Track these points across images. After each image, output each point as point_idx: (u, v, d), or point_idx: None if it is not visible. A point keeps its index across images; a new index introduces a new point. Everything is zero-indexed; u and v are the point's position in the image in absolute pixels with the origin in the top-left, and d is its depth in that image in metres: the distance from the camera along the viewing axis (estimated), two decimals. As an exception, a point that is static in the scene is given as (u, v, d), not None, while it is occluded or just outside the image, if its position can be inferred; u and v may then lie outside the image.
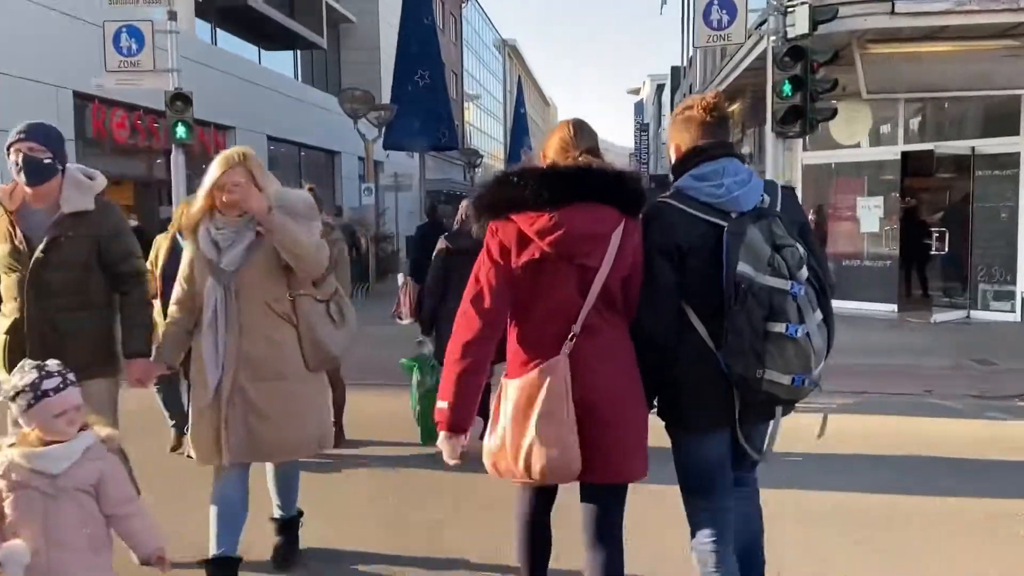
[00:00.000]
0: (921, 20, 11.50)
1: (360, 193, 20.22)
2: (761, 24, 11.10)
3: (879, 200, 13.42)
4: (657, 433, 2.87)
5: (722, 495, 2.82)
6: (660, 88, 57.38)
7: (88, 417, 2.62)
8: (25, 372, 2.55)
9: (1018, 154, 12.09)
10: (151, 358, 3.57)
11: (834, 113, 9.75)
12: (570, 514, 2.92)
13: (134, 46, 11.08)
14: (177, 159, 11.57)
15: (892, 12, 11.34)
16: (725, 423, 2.71)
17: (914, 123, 13.57)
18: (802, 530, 4.36)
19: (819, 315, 2.63)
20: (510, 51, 66.23)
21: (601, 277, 2.59)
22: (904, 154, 13.10)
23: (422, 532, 4.42)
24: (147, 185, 16.90)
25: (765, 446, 2.86)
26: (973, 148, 12.46)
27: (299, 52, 25.99)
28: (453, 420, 2.64)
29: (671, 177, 2.92)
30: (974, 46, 11.89)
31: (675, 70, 41.82)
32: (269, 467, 3.81)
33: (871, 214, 13.49)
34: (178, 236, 5.34)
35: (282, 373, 3.37)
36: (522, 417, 2.59)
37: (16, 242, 3.34)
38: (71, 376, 2.58)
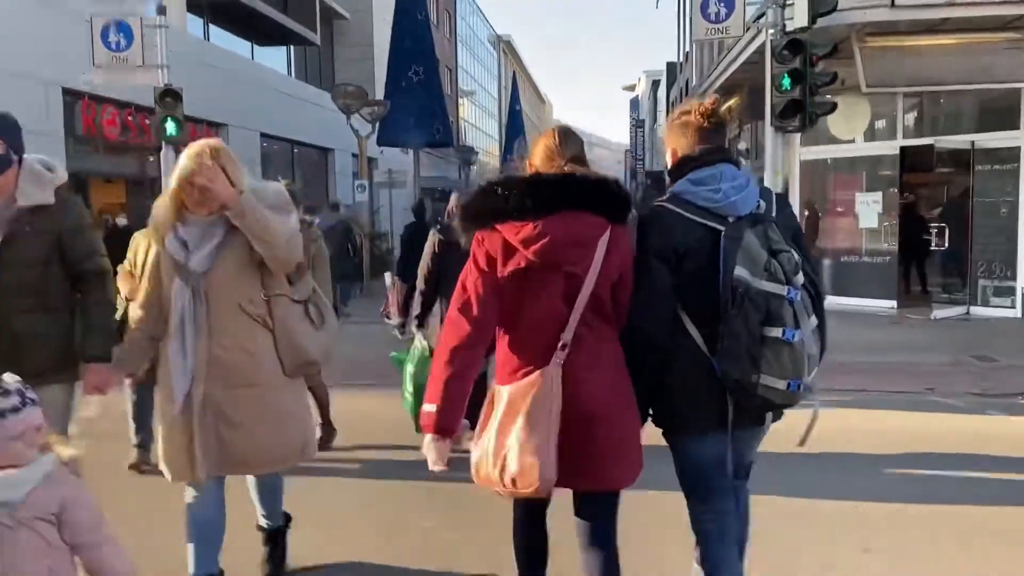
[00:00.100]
0: (921, 13, 11.40)
1: (354, 190, 20.04)
2: (759, 17, 10.98)
3: (878, 196, 13.32)
4: (654, 434, 2.87)
5: (723, 497, 2.84)
6: (656, 84, 57.36)
7: (48, 437, 2.40)
8: None
9: (1018, 148, 11.99)
10: (111, 364, 3.31)
11: (834, 107, 9.65)
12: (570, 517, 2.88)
13: (123, 41, 10.90)
14: (167, 157, 11.36)
15: (892, 5, 11.26)
16: (720, 427, 2.71)
17: (913, 118, 13.47)
18: (807, 535, 4.25)
19: (814, 321, 2.65)
20: (505, 47, 66.09)
21: (588, 285, 2.59)
22: (903, 149, 12.99)
23: (416, 539, 4.30)
24: (139, 183, 16.72)
25: (752, 453, 2.91)
26: (973, 142, 12.35)
27: (292, 48, 25.79)
28: (440, 424, 2.63)
29: (667, 178, 2.92)
30: (974, 39, 11.78)
31: (671, 66, 41.71)
32: (250, 477, 3.57)
33: (870, 210, 13.40)
34: None
35: (257, 379, 3.13)
36: (507, 424, 2.61)
37: None
38: (31, 394, 2.35)
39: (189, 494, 3.23)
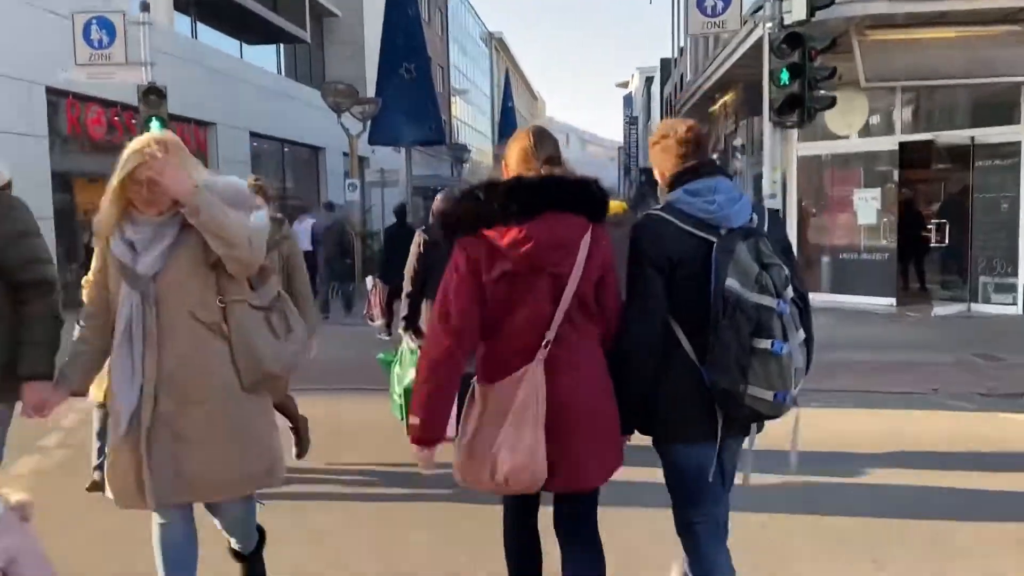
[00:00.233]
0: (920, 5, 11.26)
1: (345, 189, 19.81)
2: (756, 11, 10.82)
3: (876, 192, 13.17)
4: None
5: (713, 501, 2.90)
6: (649, 81, 57.20)
7: None
8: None
9: (1019, 143, 11.83)
10: (52, 382, 3.01)
11: (833, 102, 9.51)
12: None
13: (105, 38, 10.67)
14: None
15: (891, -3, 11.09)
16: (709, 436, 2.75)
17: (911, 112, 13.30)
18: (816, 550, 4.05)
19: (802, 334, 2.70)
20: (497, 44, 65.88)
21: (572, 285, 2.62)
22: (902, 144, 12.83)
23: (406, 553, 4.08)
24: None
25: (743, 467, 2.94)
26: (972, 138, 12.19)
27: (282, 46, 25.56)
28: (424, 436, 2.68)
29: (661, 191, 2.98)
30: (974, 32, 11.64)
31: (664, 62, 41.60)
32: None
33: (868, 206, 13.25)
34: None
35: (211, 394, 2.81)
36: (493, 424, 2.61)
37: None
38: None
39: (156, 517, 2.97)
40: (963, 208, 12.44)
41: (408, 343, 5.38)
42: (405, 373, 5.36)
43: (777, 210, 3.12)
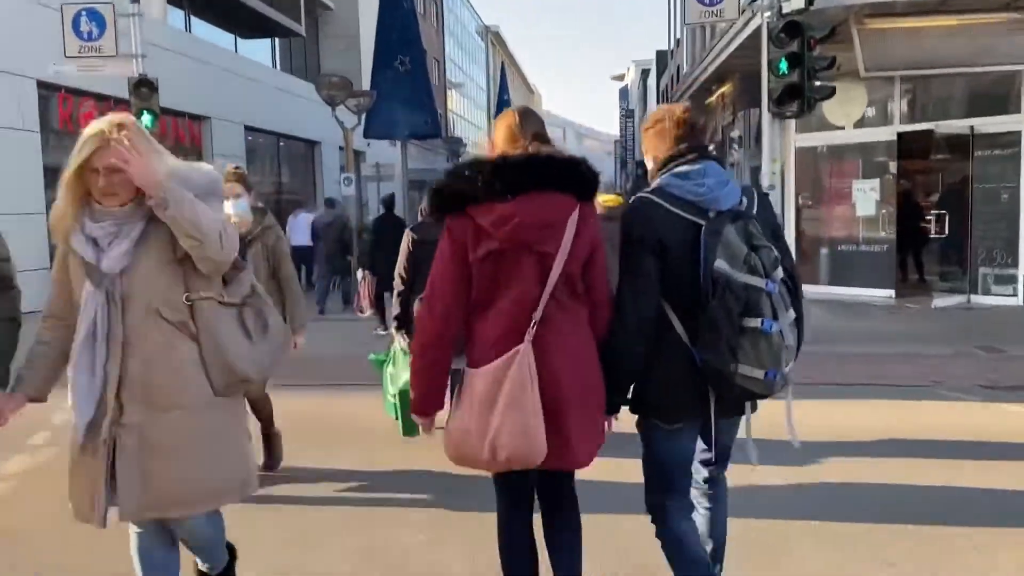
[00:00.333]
0: (920, -7, 11.13)
1: (341, 183, 19.67)
2: (754, 0, 10.67)
3: (875, 183, 13.08)
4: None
5: (686, 484, 2.99)
6: (645, 73, 57.04)
7: None
8: None
9: (1019, 133, 11.73)
10: (7, 388, 2.82)
11: (833, 92, 9.38)
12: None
13: (95, 30, 10.51)
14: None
15: (890, -15, 10.97)
16: (697, 417, 2.82)
17: (910, 103, 13.19)
18: (827, 554, 3.94)
19: (792, 314, 2.72)
20: (493, 38, 65.61)
21: (559, 264, 2.61)
22: (900, 135, 12.73)
23: (397, 556, 3.97)
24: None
25: (749, 454, 2.92)
26: (972, 127, 12.09)
27: (277, 40, 25.37)
28: (422, 408, 2.79)
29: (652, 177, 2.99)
30: (975, 20, 11.51)
31: (660, 54, 41.42)
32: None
33: (867, 197, 13.16)
34: None
35: (182, 400, 2.59)
36: (488, 406, 2.61)
37: None
38: None
39: (132, 525, 2.81)
40: (963, 198, 12.34)
41: (400, 343, 5.31)
42: (399, 374, 5.31)
43: (766, 193, 3.11)
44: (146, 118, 10.61)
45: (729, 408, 2.83)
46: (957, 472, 4.98)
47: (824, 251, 13.75)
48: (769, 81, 9.34)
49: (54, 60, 11.14)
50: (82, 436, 2.59)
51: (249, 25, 22.76)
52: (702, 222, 2.69)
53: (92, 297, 2.57)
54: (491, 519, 2.98)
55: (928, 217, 12.87)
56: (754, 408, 2.91)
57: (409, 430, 5.36)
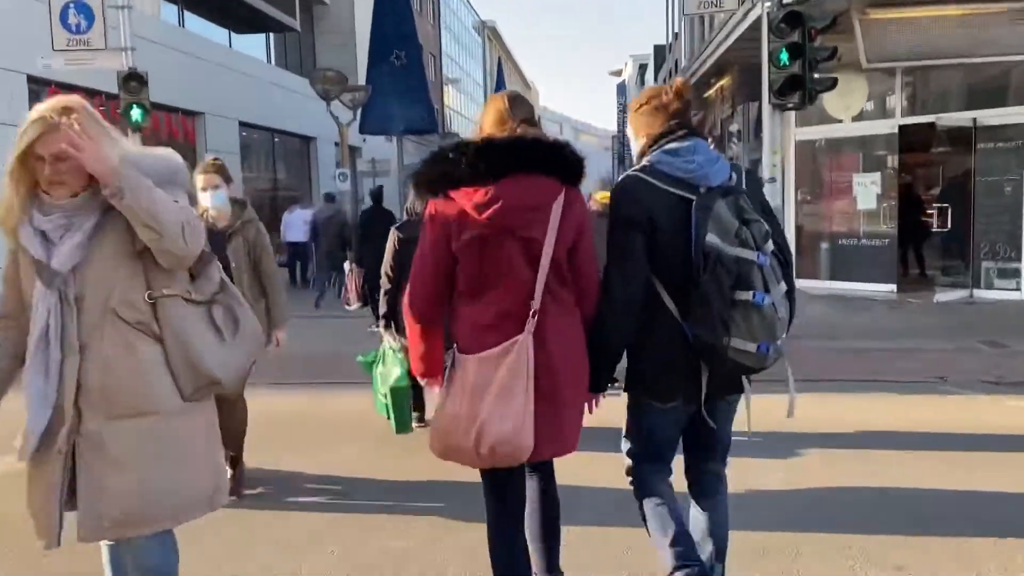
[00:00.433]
0: (923, -17, 10.98)
1: (336, 179, 19.53)
2: (754, -10, 10.53)
3: (876, 176, 12.93)
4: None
5: (669, 456, 2.99)
6: (643, 68, 56.91)
7: None
8: None
9: (1022, 125, 11.55)
10: None
11: (834, 83, 9.26)
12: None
13: (83, 23, 10.33)
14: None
15: (892, -26, 10.83)
16: (688, 394, 2.79)
17: (912, 95, 13.05)
18: (835, 558, 3.80)
19: (783, 287, 2.71)
20: (490, 33, 65.42)
21: (548, 249, 2.59)
22: (901, 127, 12.58)
23: (387, 564, 3.81)
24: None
25: (744, 423, 2.91)
26: (975, 120, 11.92)
27: (272, 35, 25.19)
28: (426, 369, 2.83)
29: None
30: (978, 10, 11.38)
31: (658, 48, 41.27)
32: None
33: (867, 191, 13.00)
34: None
35: (147, 407, 2.37)
36: (479, 394, 2.58)
37: None
38: None
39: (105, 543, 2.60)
40: (965, 192, 12.18)
41: (389, 341, 5.30)
42: (389, 372, 5.27)
43: (752, 170, 3.12)
44: (136, 112, 10.44)
45: (722, 386, 2.80)
46: (966, 472, 4.84)
47: (825, 245, 13.62)
48: (770, 72, 9.20)
49: (43, 54, 10.95)
50: (34, 445, 2.35)
51: (243, 20, 22.58)
52: (693, 197, 2.68)
53: (44, 297, 2.34)
54: (482, 523, 2.86)
55: (930, 211, 12.72)
56: (749, 382, 2.86)
57: (402, 427, 5.33)
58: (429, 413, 3.11)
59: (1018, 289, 11.78)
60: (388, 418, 5.41)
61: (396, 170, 20.16)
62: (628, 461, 3.04)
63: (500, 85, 39.97)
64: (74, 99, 2.40)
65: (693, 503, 3.06)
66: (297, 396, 7.20)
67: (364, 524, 4.29)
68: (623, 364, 2.89)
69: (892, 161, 12.79)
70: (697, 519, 3.01)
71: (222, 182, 4.61)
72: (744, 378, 2.80)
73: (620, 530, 3.84)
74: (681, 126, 2.82)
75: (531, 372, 2.56)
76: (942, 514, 4.23)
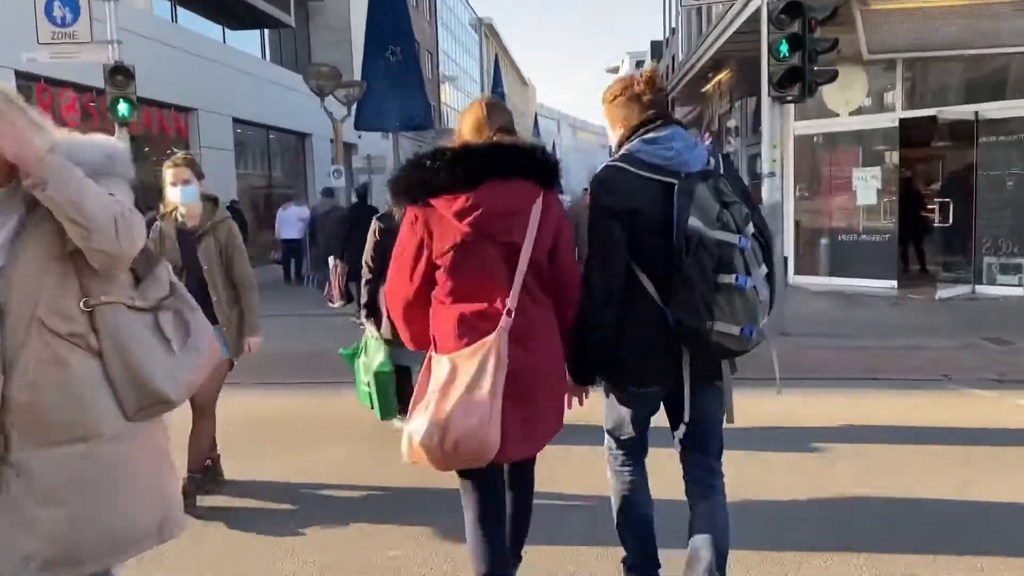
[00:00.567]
0: (924, -27, 10.82)
1: (331, 176, 19.35)
2: (753, -19, 10.36)
3: (876, 171, 12.78)
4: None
5: (645, 437, 3.01)
6: (639, 65, 56.72)
7: None
8: None
9: (1025, 118, 11.41)
10: None
11: (835, 75, 9.09)
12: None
13: (68, 15, 10.11)
14: (121, 142, 10.60)
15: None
16: (668, 379, 2.81)
17: (912, 88, 12.88)
18: (843, 566, 3.64)
19: (764, 269, 2.74)
20: (487, 30, 65.28)
21: (526, 252, 2.63)
22: (902, 121, 12.42)
23: (383, 572, 3.65)
24: (105, 172, 15.96)
25: (724, 411, 2.91)
26: (976, 113, 11.77)
27: (266, 31, 24.98)
28: (418, 344, 2.86)
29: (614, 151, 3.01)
30: (980, 0, 11.17)
31: (655, 44, 41.12)
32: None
33: (868, 185, 12.86)
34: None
35: (82, 431, 2.07)
36: (449, 391, 2.60)
37: None
38: None
39: None
40: (966, 186, 12.03)
41: (371, 331, 5.28)
42: (372, 359, 5.27)
43: (728, 154, 3.05)
44: (123, 107, 10.24)
45: (704, 370, 2.80)
46: (975, 474, 4.69)
47: (824, 241, 13.47)
48: (769, 64, 9.03)
49: (27, 48, 10.74)
50: None
51: (237, 16, 22.37)
52: (674, 182, 2.70)
53: None
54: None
55: (931, 206, 12.56)
56: (733, 369, 2.87)
57: (386, 413, 5.32)
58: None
59: (1021, 285, 11.64)
60: (371, 407, 5.37)
61: (392, 166, 19.98)
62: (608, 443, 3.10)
63: (497, 82, 39.73)
64: None
65: (692, 510, 2.95)
66: (285, 396, 7.05)
67: (348, 534, 4.13)
68: None
69: (893, 155, 12.63)
70: (697, 526, 2.90)
71: (193, 177, 4.36)
72: (726, 364, 2.82)
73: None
74: (658, 116, 2.85)
75: (502, 370, 2.57)
76: (950, 519, 4.08)
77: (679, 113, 31.87)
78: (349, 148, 22.05)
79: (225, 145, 19.65)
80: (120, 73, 10.17)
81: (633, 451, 3.03)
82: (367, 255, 5.20)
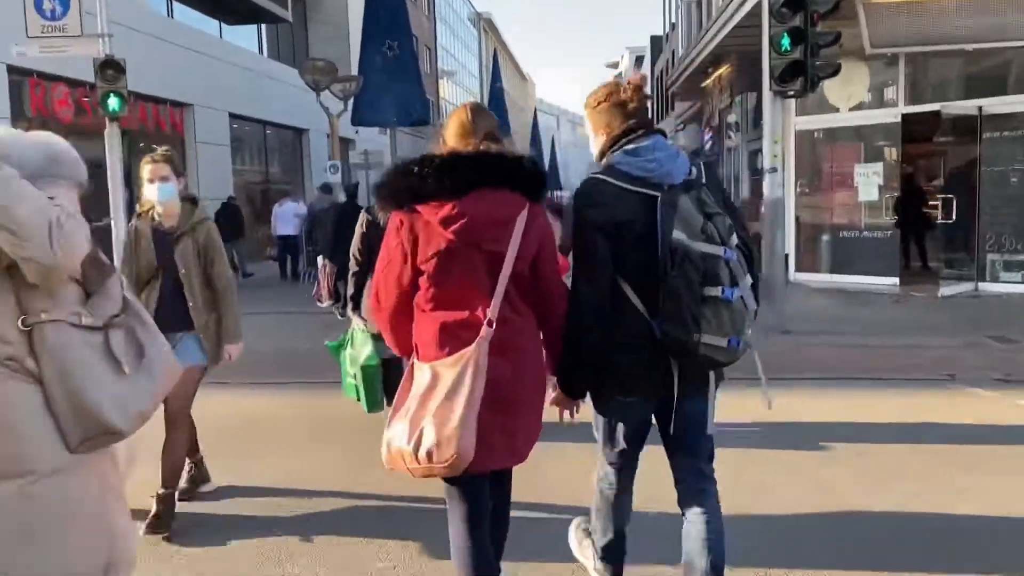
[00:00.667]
0: (927, -34, 10.67)
1: (327, 171, 19.22)
2: (754, -27, 10.22)
3: (878, 167, 12.64)
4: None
5: (637, 446, 2.98)
6: (639, 60, 56.55)
7: None
8: None
9: (1029, 113, 11.27)
10: None
11: (837, 69, 8.95)
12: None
13: (58, 8, 9.95)
14: (112, 136, 10.48)
15: (896, -43, 10.53)
16: (652, 391, 2.82)
17: (915, 83, 12.73)
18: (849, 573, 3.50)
19: (749, 279, 2.72)
20: (485, 25, 65.09)
21: (509, 262, 2.63)
22: (904, 116, 12.28)
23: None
24: (99, 167, 15.80)
25: (708, 420, 2.88)
26: (980, 108, 11.63)
27: (263, 26, 24.81)
28: (403, 350, 2.84)
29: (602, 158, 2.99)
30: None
31: (655, 40, 40.95)
32: None
33: (869, 182, 12.73)
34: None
35: (18, 466, 1.85)
36: (427, 399, 2.60)
37: None
38: None
39: None
40: (970, 182, 11.90)
41: (357, 323, 5.24)
42: (358, 353, 5.23)
43: (710, 162, 2.95)
44: (114, 101, 10.09)
45: (691, 380, 2.78)
46: (977, 476, 4.56)
47: (825, 238, 13.34)
48: (771, 58, 8.89)
49: (16, 41, 10.59)
50: None
51: (234, 11, 22.22)
52: (657, 195, 2.69)
53: None
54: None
55: (933, 202, 12.43)
56: (720, 378, 2.87)
57: (373, 406, 5.27)
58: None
59: (1024, 282, 11.51)
60: (358, 399, 5.31)
61: (389, 162, 19.83)
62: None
63: (495, 77, 39.58)
64: None
65: (685, 518, 2.89)
66: (274, 395, 6.93)
67: (337, 540, 3.99)
68: None
69: (894, 151, 12.50)
70: (690, 533, 2.87)
71: (171, 174, 4.14)
72: (711, 374, 2.81)
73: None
74: (640, 125, 2.83)
75: (480, 380, 2.55)
76: (957, 524, 3.95)
77: (679, 108, 31.75)
78: (346, 143, 21.90)
79: (221, 141, 19.52)
80: (110, 67, 10.02)
81: (622, 469, 3.03)
82: (355, 247, 5.17)
